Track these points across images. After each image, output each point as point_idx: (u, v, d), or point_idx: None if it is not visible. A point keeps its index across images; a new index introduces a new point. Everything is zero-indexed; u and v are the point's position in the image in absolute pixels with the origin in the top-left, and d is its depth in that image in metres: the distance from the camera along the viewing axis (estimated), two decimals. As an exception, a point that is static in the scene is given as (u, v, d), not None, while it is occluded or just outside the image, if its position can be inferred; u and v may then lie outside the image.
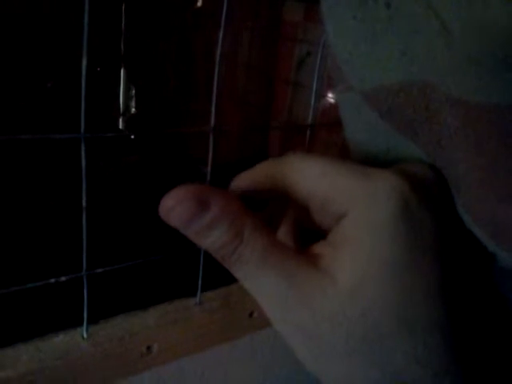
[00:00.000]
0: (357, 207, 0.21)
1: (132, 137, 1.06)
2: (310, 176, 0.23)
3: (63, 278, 0.36)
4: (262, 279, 0.21)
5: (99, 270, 0.38)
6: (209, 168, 0.37)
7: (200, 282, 0.45)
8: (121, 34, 1.17)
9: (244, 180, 0.26)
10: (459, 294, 0.20)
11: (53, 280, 0.36)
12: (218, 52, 0.36)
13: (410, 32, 0.21)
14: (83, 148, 0.32)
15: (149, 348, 0.44)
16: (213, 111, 0.37)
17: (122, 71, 1.16)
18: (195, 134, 1.14)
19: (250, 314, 0.49)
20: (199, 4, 1.17)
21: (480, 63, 0.18)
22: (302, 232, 0.27)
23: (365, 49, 0.23)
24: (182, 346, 0.45)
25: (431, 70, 0.21)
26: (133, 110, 1.14)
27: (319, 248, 0.22)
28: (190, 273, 0.45)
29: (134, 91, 1.15)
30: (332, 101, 0.91)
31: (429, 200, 0.21)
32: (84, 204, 0.34)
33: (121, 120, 1.12)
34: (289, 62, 0.89)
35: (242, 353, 0.53)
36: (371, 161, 0.26)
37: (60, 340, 0.41)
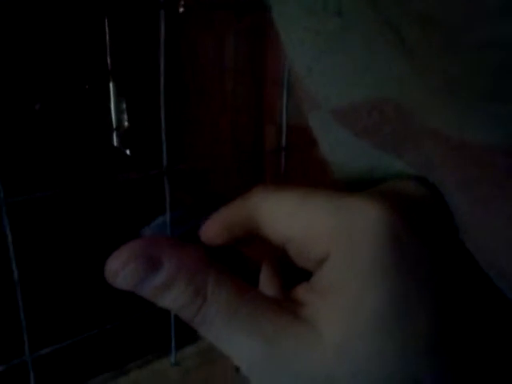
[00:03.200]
0: (339, 249, 0.18)
1: (128, 153, 1.05)
2: (281, 217, 0.20)
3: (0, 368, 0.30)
4: (234, 340, 0.18)
5: (44, 352, 0.31)
6: (168, 213, 0.31)
7: (173, 340, 0.39)
8: (106, 48, 1.15)
9: (213, 228, 0.24)
10: (468, 336, 0.18)
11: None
12: (162, 81, 0.31)
13: (369, 45, 0.18)
14: (4, 213, 0.27)
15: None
16: (164, 153, 0.31)
17: (111, 85, 1.15)
18: (193, 144, 1.13)
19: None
20: (181, 10, 1.15)
21: (455, 91, 0.15)
22: (288, 268, 0.24)
23: (325, 63, 0.20)
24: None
25: (401, 91, 0.18)
26: (126, 123, 1.13)
27: (302, 294, 0.19)
28: (161, 328, 0.38)
29: (124, 105, 1.14)
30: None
31: (422, 224, 0.19)
32: (16, 278, 0.28)
33: (115, 135, 1.12)
34: (277, 64, 0.87)
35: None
36: (355, 181, 0.24)
37: None
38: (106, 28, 1.14)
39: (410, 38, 0.16)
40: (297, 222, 0.20)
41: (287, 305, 0.19)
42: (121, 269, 0.18)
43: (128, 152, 1.10)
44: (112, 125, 1.15)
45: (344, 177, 0.24)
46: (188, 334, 0.41)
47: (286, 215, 0.20)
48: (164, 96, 0.31)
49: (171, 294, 0.18)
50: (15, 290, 0.26)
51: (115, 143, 1.14)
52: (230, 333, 0.18)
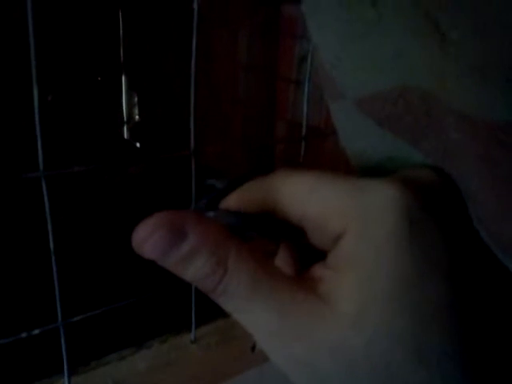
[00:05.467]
0: (354, 226, 0.19)
1: (138, 145, 1.06)
2: (299, 197, 0.21)
3: (36, 331, 0.31)
4: (252, 312, 0.19)
5: (76, 319, 0.33)
6: (193, 190, 0.33)
7: (194, 317, 0.41)
8: (119, 41, 1.16)
9: (233, 204, 0.24)
10: (477, 315, 0.18)
11: (24, 334, 0.31)
12: (193, 75, 0.32)
13: (403, 32, 0.19)
14: (44, 187, 0.28)
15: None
16: (192, 134, 0.33)
17: (123, 79, 1.15)
18: (205, 141, 1.14)
19: (253, 348, 0.44)
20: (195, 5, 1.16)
21: (484, 73, 0.16)
22: (305, 250, 0.25)
23: (353, 52, 0.21)
24: (178, 390, 0.39)
25: (429, 76, 0.19)
26: (136, 117, 1.13)
27: (318, 271, 0.20)
28: (182, 306, 0.40)
29: (136, 98, 1.14)
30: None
31: (436, 208, 0.19)
32: (52, 247, 0.29)
33: (125, 128, 1.12)
34: (290, 60, 0.87)
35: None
36: (373, 171, 0.24)
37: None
38: (120, 21, 1.14)
39: (443, 23, 0.17)
40: (314, 199, 0.20)
41: (303, 281, 0.20)
42: (147, 237, 0.19)
43: (138, 145, 1.10)
44: (123, 118, 1.15)
45: (362, 165, 0.25)
46: (207, 313, 0.43)
47: (304, 192, 0.21)
48: (195, 72, 0.32)
49: (194, 264, 0.19)
50: (51, 261, 0.26)
51: (125, 136, 1.14)
52: (249, 304, 0.19)
